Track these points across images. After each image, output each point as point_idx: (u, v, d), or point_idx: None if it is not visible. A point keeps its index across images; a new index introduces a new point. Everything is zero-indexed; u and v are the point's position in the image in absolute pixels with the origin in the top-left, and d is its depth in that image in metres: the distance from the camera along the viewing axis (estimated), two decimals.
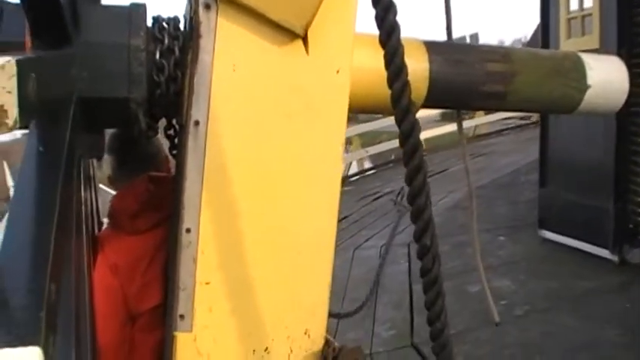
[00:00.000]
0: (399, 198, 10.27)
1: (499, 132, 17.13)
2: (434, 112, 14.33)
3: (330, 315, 4.36)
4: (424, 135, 15.33)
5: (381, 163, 15.55)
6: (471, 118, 17.08)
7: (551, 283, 5.96)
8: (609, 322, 4.99)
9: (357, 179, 14.22)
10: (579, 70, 2.30)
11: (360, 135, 15.64)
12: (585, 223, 6.27)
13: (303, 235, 1.85)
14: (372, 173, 14.64)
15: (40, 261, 0.93)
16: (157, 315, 1.98)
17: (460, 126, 2.60)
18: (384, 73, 1.28)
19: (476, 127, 17.04)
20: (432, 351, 1.33)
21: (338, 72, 1.79)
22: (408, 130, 1.30)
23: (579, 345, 4.75)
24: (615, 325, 4.94)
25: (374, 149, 15.18)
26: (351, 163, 15.11)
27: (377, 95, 1.81)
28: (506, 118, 17.74)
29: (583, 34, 6.03)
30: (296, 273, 1.86)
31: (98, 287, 1.91)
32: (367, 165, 15.97)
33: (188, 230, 1.72)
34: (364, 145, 15.36)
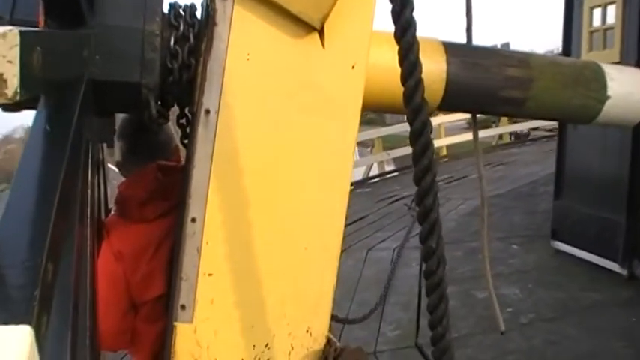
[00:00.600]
0: (413, 203, 10.19)
1: (523, 142, 16.88)
2: (461, 119, 14.19)
3: (338, 320, 4.30)
4: (448, 141, 15.31)
5: (401, 166, 15.47)
6: (497, 126, 17.01)
7: (559, 293, 5.91)
8: (614, 335, 4.94)
9: (377, 182, 14.11)
10: (600, 80, 2.20)
11: (384, 138, 15.53)
12: (597, 236, 6.20)
13: (311, 231, 1.77)
14: (393, 177, 14.49)
15: (38, 239, 0.89)
16: (160, 305, 1.91)
17: (475, 133, 2.51)
18: (399, 72, 1.21)
19: (500, 136, 16.94)
20: (432, 355, 1.26)
21: (353, 67, 1.72)
22: (419, 130, 1.23)
23: (582, 355, 4.69)
24: (620, 337, 4.89)
25: (395, 152, 15.05)
26: (372, 165, 15.03)
27: (391, 93, 1.72)
28: (533, 129, 17.61)
29: (604, 47, 5.95)
30: (301, 269, 1.78)
31: (101, 273, 1.85)
32: (388, 168, 15.84)
33: (193, 220, 1.65)
34: (386, 149, 15.22)
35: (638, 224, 5.81)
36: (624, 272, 5.89)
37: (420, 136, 1.22)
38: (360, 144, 18.45)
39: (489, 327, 4.86)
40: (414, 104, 1.22)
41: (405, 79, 1.21)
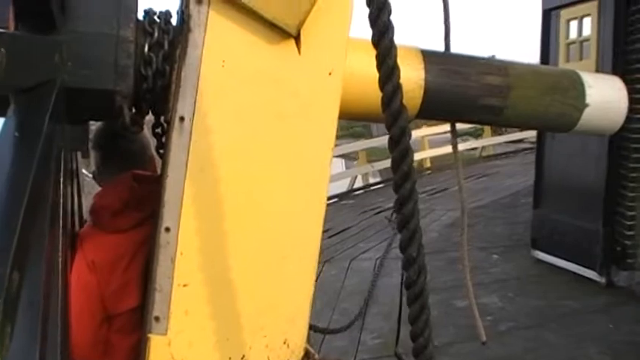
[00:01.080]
0: (393, 216, 10.15)
1: (507, 154, 16.90)
2: (445, 132, 14.20)
3: (317, 329, 4.24)
4: (432, 153, 15.31)
5: (385, 179, 15.45)
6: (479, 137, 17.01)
7: (538, 301, 5.91)
8: (592, 341, 4.95)
9: (361, 193, 14.11)
10: (578, 88, 2.16)
11: (369, 150, 15.52)
12: (575, 244, 6.22)
13: (288, 240, 1.71)
14: (377, 188, 14.46)
15: (2, 248, 0.84)
16: (135, 317, 1.83)
17: (455, 141, 2.45)
18: (377, 78, 1.16)
19: (483, 148, 16.95)
20: None
21: (330, 74, 1.66)
22: (398, 135, 1.17)
23: None
24: (597, 344, 4.90)
25: (380, 165, 15.04)
26: (356, 177, 15.00)
27: (369, 101, 1.68)
28: (518, 141, 17.62)
29: (581, 58, 6.00)
30: (278, 280, 1.71)
31: (74, 284, 1.77)
32: (372, 180, 15.80)
33: (167, 229, 1.58)
34: (372, 161, 15.20)
35: (614, 232, 5.83)
36: (602, 280, 5.91)
37: (399, 142, 1.17)
38: (347, 157, 18.47)
39: (469, 336, 4.87)
40: (392, 109, 1.17)
41: (383, 83, 1.16)
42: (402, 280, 6.76)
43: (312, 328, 1.84)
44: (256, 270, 1.67)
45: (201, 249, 1.60)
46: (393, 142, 1.17)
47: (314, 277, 1.75)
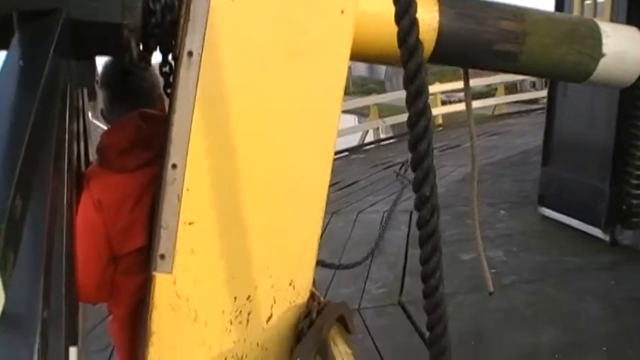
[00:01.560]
0: (402, 170, 10.10)
1: (520, 113, 16.62)
2: (457, 90, 13.99)
3: (327, 265, 4.21)
4: (445, 110, 15.11)
5: (396, 134, 15.29)
6: (492, 96, 16.73)
7: (542, 257, 5.86)
8: (594, 297, 4.92)
9: (372, 148, 13.99)
10: (595, 37, 2.06)
11: (381, 107, 15.33)
12: (581, 202, 6.14)
13: (296, 180, 1.66)
14: (387, 144, 14.32)
15: (5, 174, 0.81)
16: (141, 258, 1.78)
17: (467, 88, 2.36)
18: (390, 19, 1.10)
19: (495, 106, 16.67)
20: (424, 309, 1.14)
21: (343, 12, 1.59)
22: (414, 71, 1.11)
23: (560, 315, 4.68)
24: (599, 300, 4.88)
25: (391, 120, 14.88)
26: (367, 132, 14.86)
27: (382, 42, 1.63)
28: (528, 101, 17.31)
29: (595, 16, 5.79)
30: (285, 219, 1.66)
31: (81, 224, 1.73)
32: (383, 135, 15.66)
33: (174, 166, 1.53)
34: (382, 116, 15.03)
35: (621, 190, 5.74)
36: (607, 238, 5.83)
37: (415, 78, 1.11)
38: (359, 113, 18.30)
39: (472, 288, 4.87)
40: (409, 44, 1.11)
41: (399, 17, 1.10)
42: (408, 231, 6.77)
43: (320, 263, 1.80)
44: (264, 209, 1.63)
45: (208, 187, 1.55)
46: (409, 78, 1.11)
47: (322, 219, 1.70)
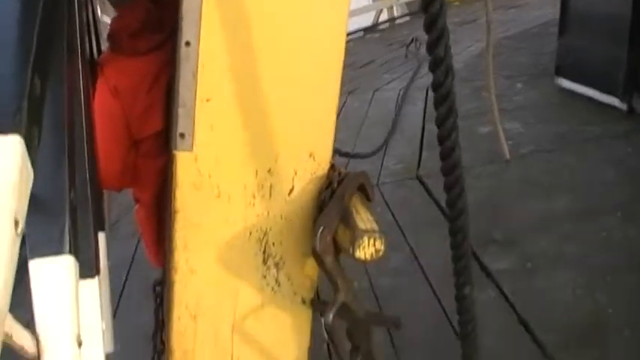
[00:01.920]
0: (414, 46, 9.71)
1: None
2: None
3: (342, 154, 4.19)
4: None
5: (411, 12, 14.75)
6: None
7: (559, 127, 5.76)
8: (610, 165, 4.87)
9: (387, 28, 13.54)
10: None
11: None
12: (599, 71, 5.95)
13: (312, 50, 1.61)
14: (402, 22, 13.80)
15: (22, 53, 0.79)
16: (160, 141, 1.78)
17: None
18: None
19: None
20: (440, 170, 1.13)
21: None
22: None
23: (577, 182, 4.67)
24: (615, 167, 4.83)
25: None
26: (381, 11, 14.37)
27: None
28: None
29: None
30: (302, 89, 1.63)
31: (99, 112, 1.71)
32: (397, 14, 15.13)
33: (187, 43, 1.48)
34: None
35: (638, 58, 5.54)
36: (624, 107, 5.68)
37: None
38: None
39: (490, 159, 4.89)
40: None
41: None
42: (425, 107, 6.69)
43: (337, 152, 1.78)
44: (280, 82, 1.59)
45: (223, 62, 1.51)
46: None
47: (339, 88, 1.66)
